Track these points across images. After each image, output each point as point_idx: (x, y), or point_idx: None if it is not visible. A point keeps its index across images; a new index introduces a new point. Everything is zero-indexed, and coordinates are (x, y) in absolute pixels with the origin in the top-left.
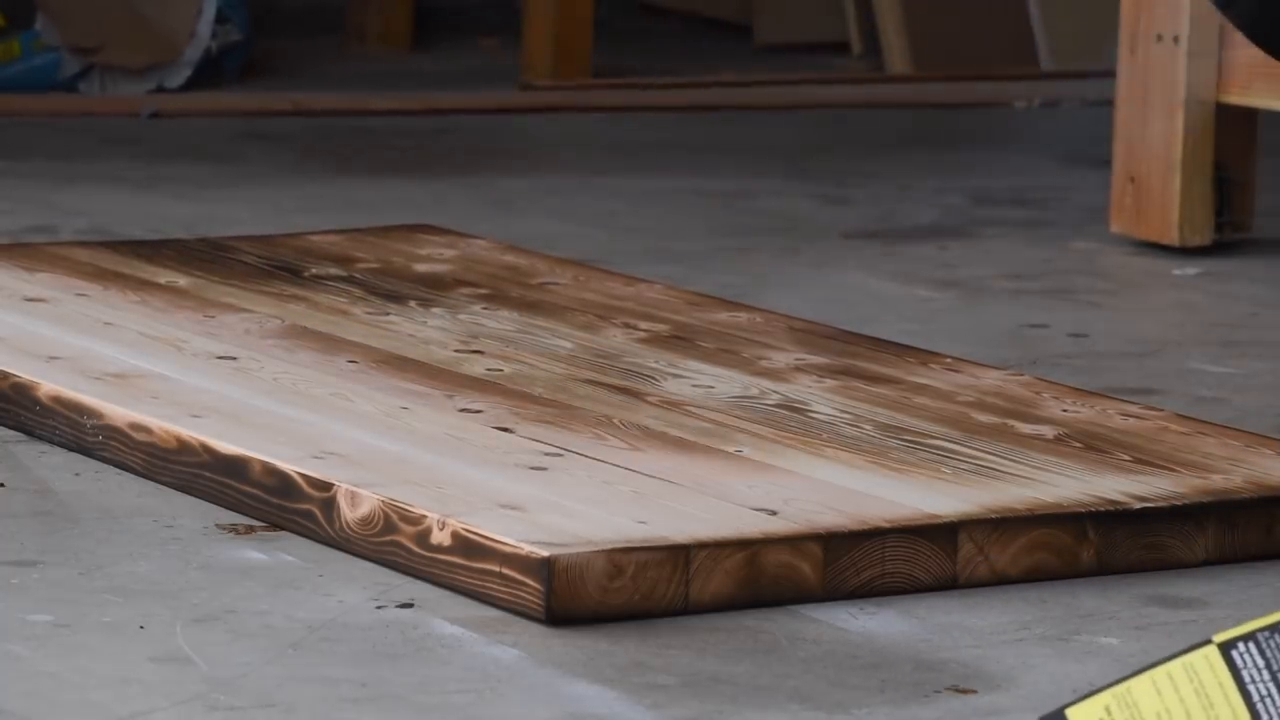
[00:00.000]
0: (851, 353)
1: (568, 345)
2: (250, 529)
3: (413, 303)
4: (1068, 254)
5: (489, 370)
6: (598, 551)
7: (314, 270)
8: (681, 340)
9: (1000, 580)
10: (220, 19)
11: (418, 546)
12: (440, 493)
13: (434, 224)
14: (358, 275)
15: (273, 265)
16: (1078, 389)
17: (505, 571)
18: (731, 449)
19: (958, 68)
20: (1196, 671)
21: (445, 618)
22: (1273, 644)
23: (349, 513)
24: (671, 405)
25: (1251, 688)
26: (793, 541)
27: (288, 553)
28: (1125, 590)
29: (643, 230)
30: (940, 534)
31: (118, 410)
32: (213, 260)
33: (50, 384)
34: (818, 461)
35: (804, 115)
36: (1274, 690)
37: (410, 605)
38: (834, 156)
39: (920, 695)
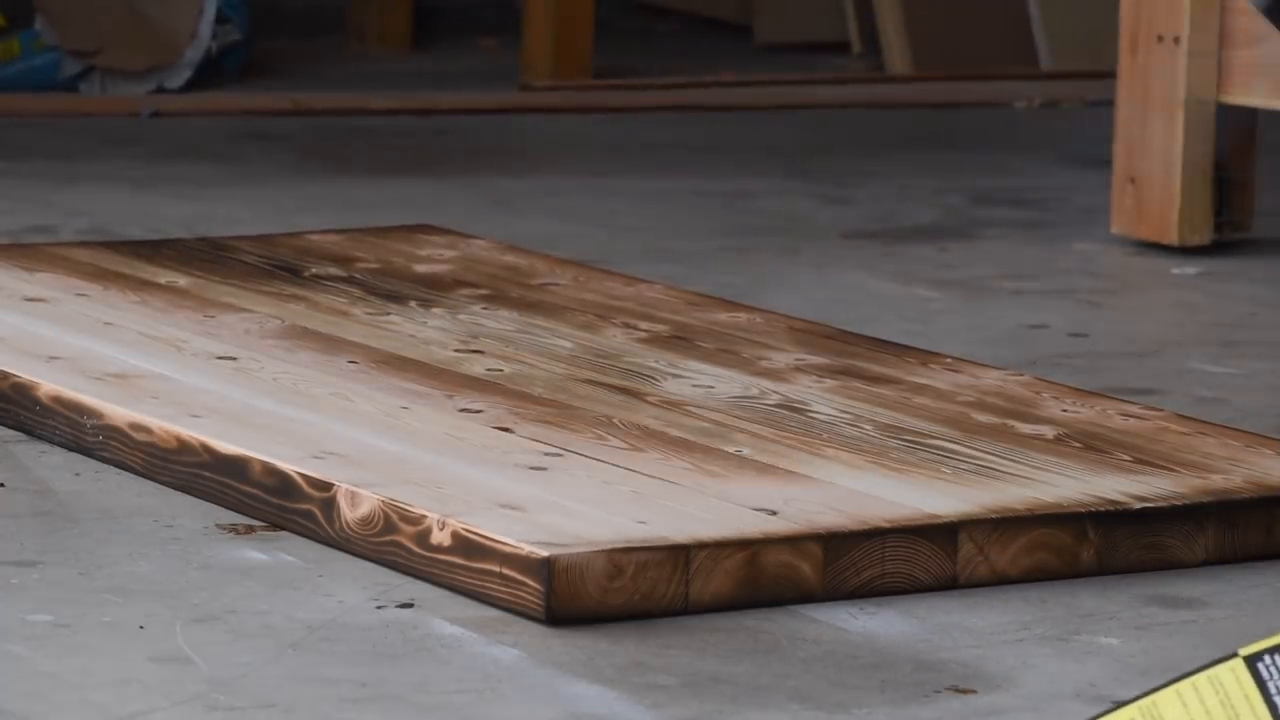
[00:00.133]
0: (851, 353)
1: (568, 345)
2: (250, 529)
3: (413, 303)
4: (1068, 254)
5: (489, 370)
6: (598, 551)
7: (314, 270)
8: (681, 340)
9: (1000, 580)
10: (220, 19)
11: (418, 546)
12: (440, 493)
13: (434, 224)
14: (358, 275)
15: (273, 265)
16: (1078, 389)
17: (505, 571)
18: (731, 449)
19: (958, 68)
20: (1222, 684)
21: (445, 618)
22: None
23: (349, 513)
24: (671, 405)
25: (1278, 699)
26: (793, 541)
27: (288, 553)
28: (1125, 590)
29: (643, 230)
30: (940, 534)
31: (118, 410)
32: (213, 260)
33: (50, 384)
34: (818, 461)
35: (804, 115)
36: None
37: (410, 605)
38: (834, 156)
39: (920, 695)
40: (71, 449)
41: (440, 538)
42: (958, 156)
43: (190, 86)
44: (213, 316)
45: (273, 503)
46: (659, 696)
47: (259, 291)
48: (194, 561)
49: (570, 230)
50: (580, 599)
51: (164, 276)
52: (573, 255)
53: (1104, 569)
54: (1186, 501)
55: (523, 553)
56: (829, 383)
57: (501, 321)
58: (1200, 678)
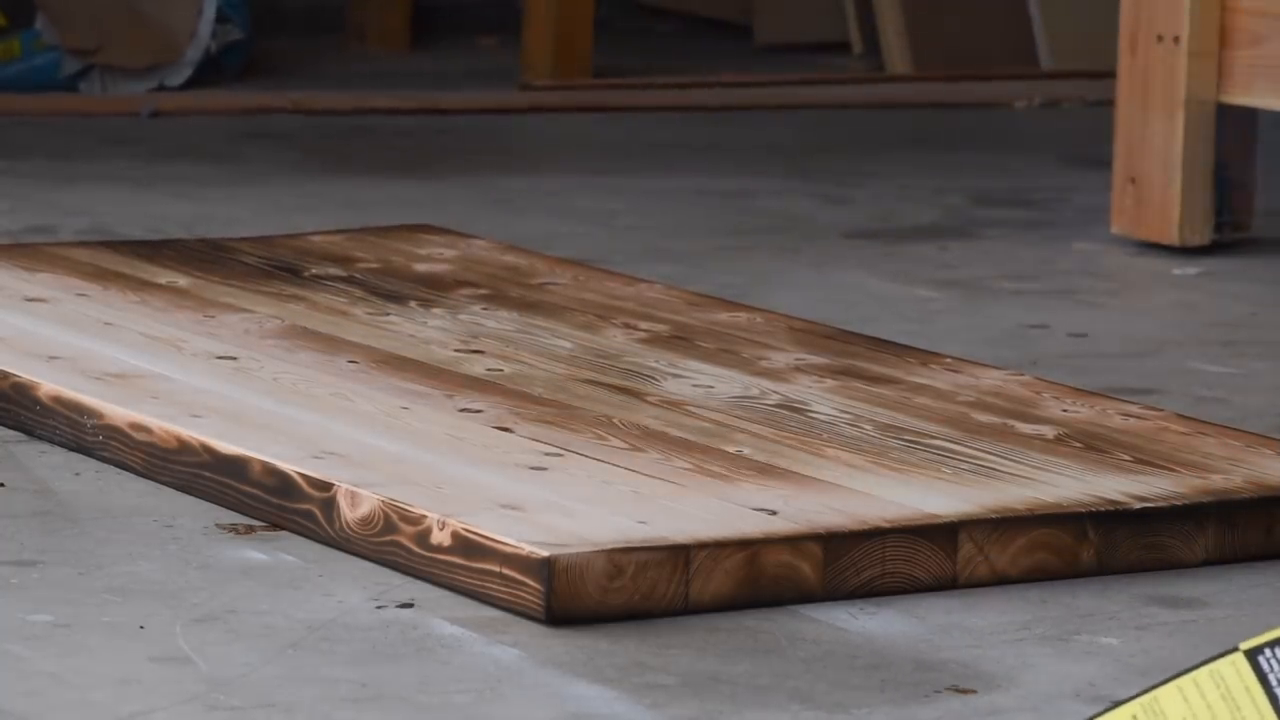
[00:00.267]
0: (851, 353)
1: (568, 345)
2: (250, 529)
3: (413, 303)
4: (1068, 254)
5: (489, 370)
6: (598, 551)
7: (314, 270)
8: (681, 340)
9: (1000, 580)
10: (220, 18)
11: (418, 546)
12: (440, 493)
13: (434, 224)
14: (358, 275)
15: (272, 265)
16: (1078, 389)
17: (505, 571)
18: (731, 449)
19: (958, 68)
20: (1223, 678)
21: (445, 618)
22: None
23: (349, 513)
24: (671, 405)
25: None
26: (793, 541)
27: (288, 553)
28: (1125, 590)
29: (643, 230)
30: (940, 534)
31: (118, 410)
32: (213, 260)
33: (50, 384)
34: (818, 461)
35: (804, 115)
36: None
37: (410, 605)
38: (834, 156)
39: (920, 695)
40: (71, 449)
41: (440, 538)
42: (958, 156)
43: (190, 85)
44: (213, 316)
45: (273, 503)
46: (659, 696)
47: (259, 291)
48: (194, 561)
49: (570, 230)
50: (580, 599)
51: (164, 276)
52: (573, 255)
53: (1104, 569)
54: (1186, 501)
55: (523, 553)
56: (829, 383)
57: (501, 321)
58: (1201, 672)
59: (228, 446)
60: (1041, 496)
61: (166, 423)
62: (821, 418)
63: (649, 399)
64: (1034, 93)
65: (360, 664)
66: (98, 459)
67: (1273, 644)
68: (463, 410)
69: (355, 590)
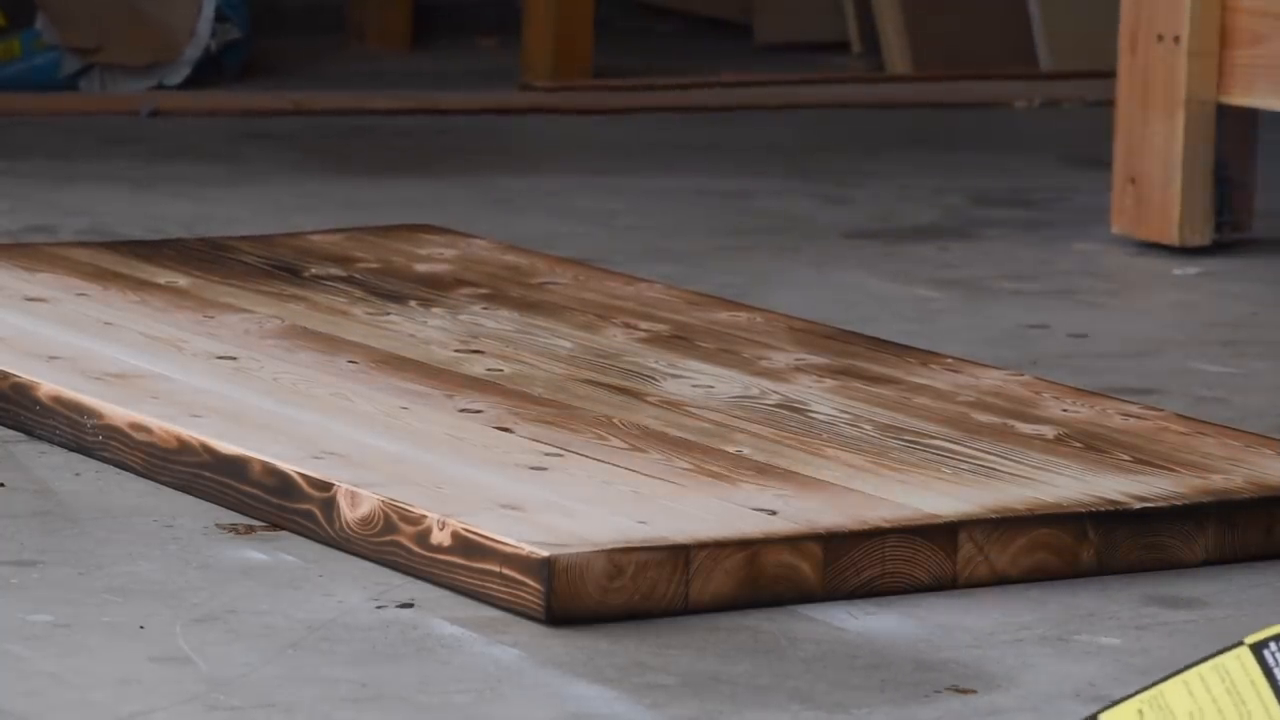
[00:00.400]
0: (851, 353)
1: (568, 345)
2: (250, 529)
3: (413, 303)
4: (1068, 254)
5: (489, 370)
6: (598, 551)
7: (314, 270)
8: (681, 340)
9: (1000, 580)
10: (220, 18)
11: (418, 546)
12: (440, 493)
13: (434, 224)
14: (358, 275)
15: (272, 265)
16: (1078, 389)
17: (505, 571)
18: (731, 449)
19: (958, 68)
20: (1228, 672)
21: (445, 618)
22: None
23: (349, 513)
24: (671, 405)
25: None
26: (793, 541)
27: (288, 553)
28: (1125, 590)
29: (643, 230)
30: (940, 534)
31: (118, 410)
32: (213, 260)
33: (50, 384)
34: (818, 461)
35: (804, 115)
36: None
37: (410, 605)
38: (834, 156)
39: (920, 695)
40: (71, 449)
41: (440, 538)
42: (958, 156)
43: (190, 85)
44: (213, 316)
45: (273, 503)
46: (659, 696)
47: (259, 291)
48: (194, 561)
49: (570, 230)
50: (580, 599)
51: (164, 276)
52: (573, 255)
53: (1104, 569)
54: (1186, 501)
55: (523, 553)
56: (829, 383)
57: (501, 321)
58: (1206, 667)
59: (228, 446)
60: (1041, 496)
61: (166, 423)
62: (821, 418)
63: (649, 399)
64: (1034, 93)
65: (360, 664)
66: (98, 459)
67: (1277, 638)
68: (463, 410)
69: (355, 590)
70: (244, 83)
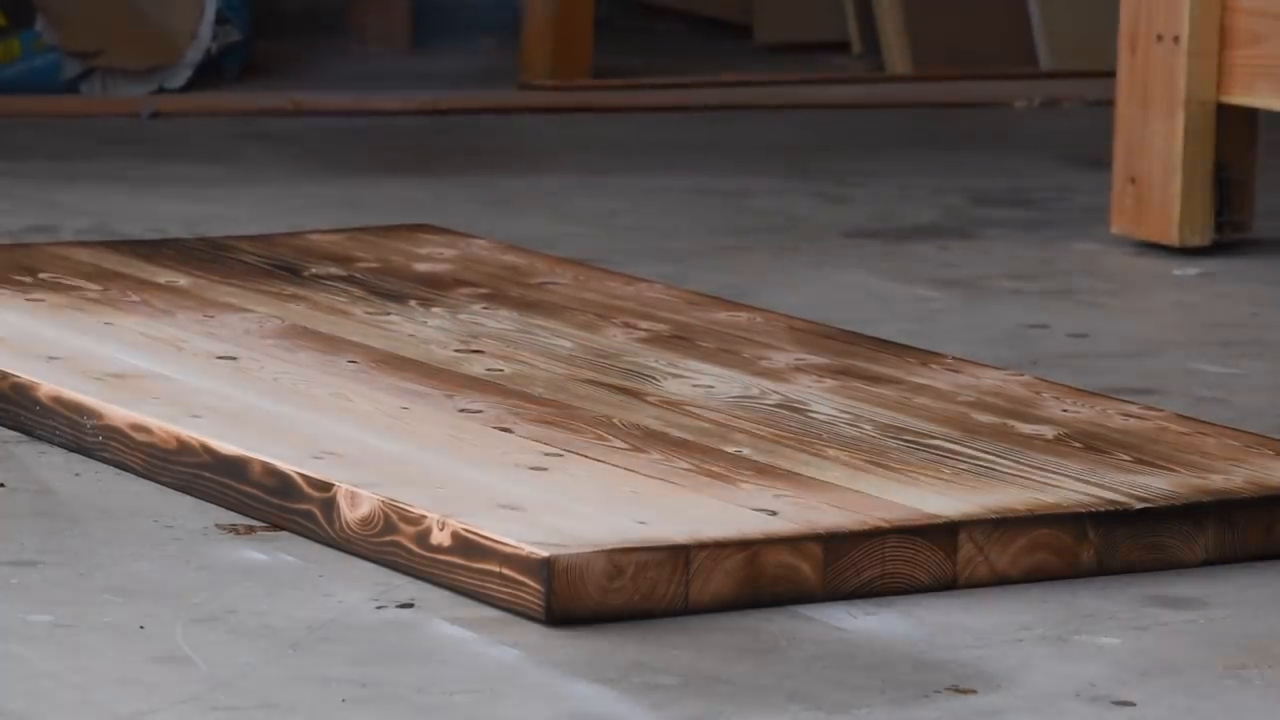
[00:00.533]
0: (851, 353)
1: (568, 345)
2: (250, 529)
3: (413, 303)
4: (1068, 254)
5: (489, 370)
6: (598, 551)
7: (314, 270)
8: (681, 340)
9: (1000, 580)
10: (220, 20)
11: (418, 546)
12: (440, 493)
13: (434, 224)
14: (358, 275)
15: (272, 265)
16: (1078, 389)
17: (505, 572)
18: (731, 449)
19: (958, 68)
20: None
21: (445, 618)
22: None
23: (349, 513)
24: (671, 405)
25: None
26: (793, 541)
27: (288, 553)
28: (1125, 590)
29: (643, 230)
30: (940, 534)
31: (118, 410)
32: (213, 260)
33: (50, 384)
34: (818, 461)
35: (804, 115)
36: None
37: (410, 605)
38: (834, 156)
39: (920, 695)
40: (71, 449)
41: (440, 538)
42: (958, 156)
43: (190, 87)
44: (213, 316)
45: (273, 503)
46: (659, 696)
47: (259, 291)
48: (194, 561)
49: (570, 230)
50: (580, 599)
51: (164, 276)
52: (573, 255)
53: (1104, 569)
54: (1186, 501)
55: (523, 553)
56: (829, 383)
57: (501, 321)
58: None
59: (228, 446)
60: (1041, 496)
61: (166, 423)
62: (821, 418)
63: (649, 399)
64: (1034, 93)
65: (360, 664)
66: (98, 459)
67: None
68: (463, 410)
69: (355, 590)
70: (244, 83)
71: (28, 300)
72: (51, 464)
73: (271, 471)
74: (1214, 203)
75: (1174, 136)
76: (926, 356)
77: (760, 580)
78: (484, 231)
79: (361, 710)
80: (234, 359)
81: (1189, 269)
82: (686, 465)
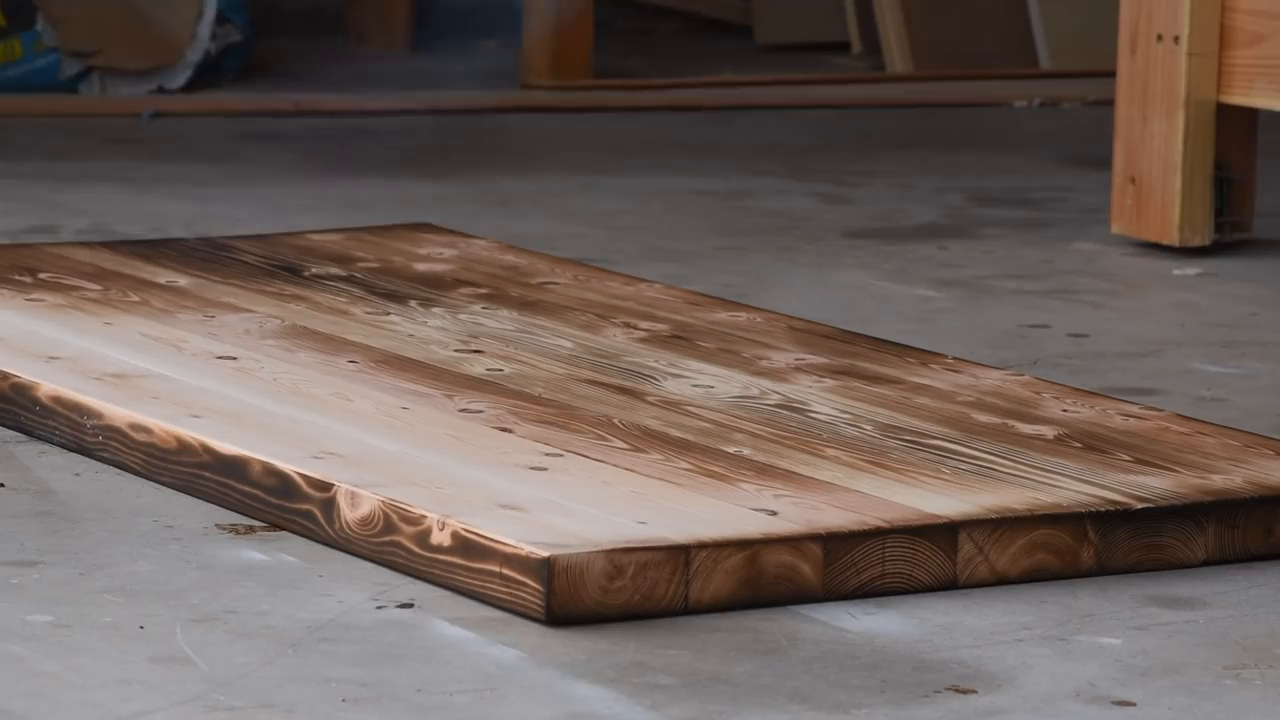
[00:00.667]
0: (851, 353)
1: (568, 345)
2: (250, 529)
3: (413, 303)
4: (1068, 254)
5: (489, 370)
6: (598, 551)
7: (314, 270)
8: (681, 340)
9: (1000, 580)
10: (220, 20)
11: (418, 547)
12: (440, 493)
13: (434, 224)
14: (358, 275)
15: (273, 265)
16: (1078, 389)
17: (505, 572)
18: (731, 449)
19: (958, 68)
20: None
21: (445, 618)
22: None
23: (349, 513)
24: (671, 405)
25: None
26: (793, 541)
27: (288, 553)
28: (1125, 590)
29: (643, 230)
30: (940, 534)
31: (118, 410)
32: (213, 260)
33: (50, 384)
34: (818, 461)
35: (804, 115)
36: None
37: (410, 605)
38: (834, 156)
39: (920, 695)
40: (71, 449)
41: (440, 538)
42: (958, 156)
43: (190, 87)
44: (213, 316)
45: (273, 503)
46: (659, 696)
47: (259, 291)
48: (194, 561)
49: (570, 230)
50: (580, 599)
51: (164, 276)
52: (573, 255)
53: (1104, 569)
54: (1186, 501)
55: (523, 553)
56: (829, 383)
57: (501, 321)
58: None
59: (228, 446)
60: (1041, 496)
61: (166, 423)
62: (821, 418)
63: (649, 399)
64: (1034, 93)
65: (360, 664)
66: (98, 459)
67: None
68: (463, 410)
69: (355, 590)
70: (244, 84)
71: (28, 300)
72: (51, 464)
73: (271, 471)
74: (1214, 203)
75: (1174, 136)
76: (926, 356)
77: (760, 580)
78: (484, 231)
79: (361, 710)
80: (234, 359)
81: (1189, 269)
82: (686, 465)
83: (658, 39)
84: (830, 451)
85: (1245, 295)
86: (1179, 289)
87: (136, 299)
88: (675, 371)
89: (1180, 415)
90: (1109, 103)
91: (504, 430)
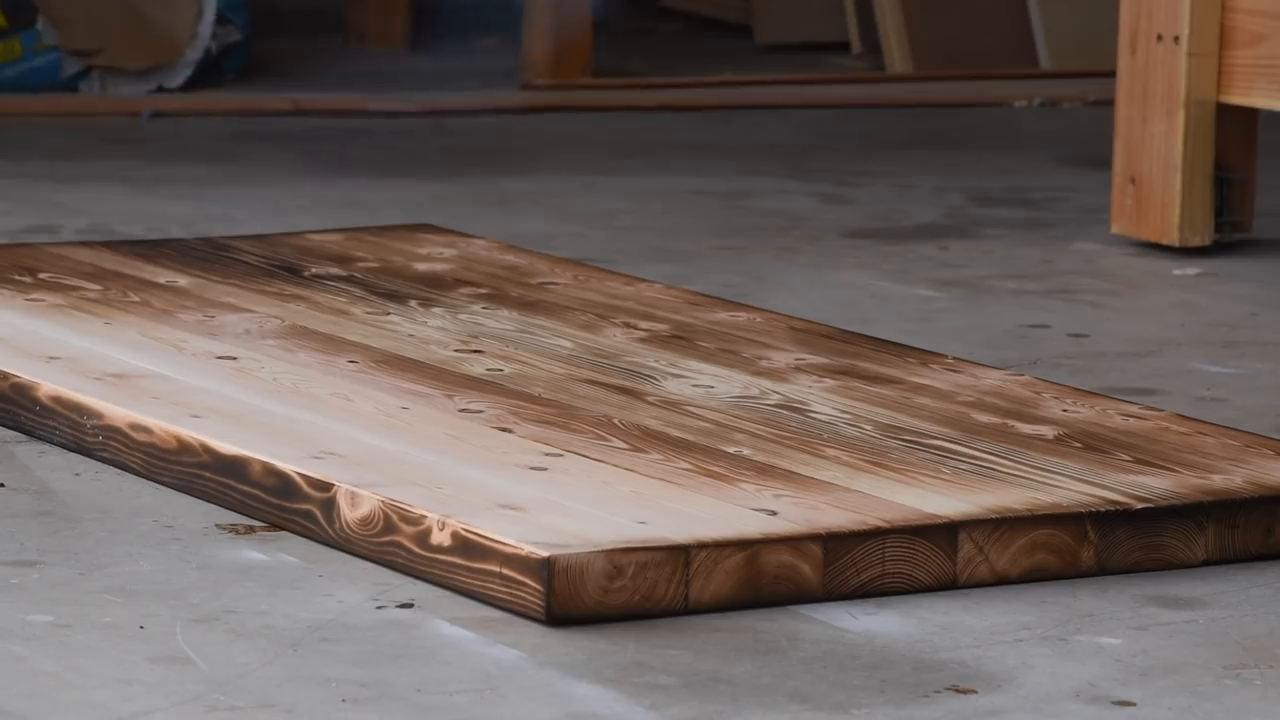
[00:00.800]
0: (851, 353)
1: (568, 345)
2: (250, 529)
3: (413, 302)
4: (1068, 254)
5: (489, 370)
6: (598, 551)
7: (314, 270)
8: (681, 340)
9: (1000, 580)
10: (220, 20)
11: (418, 547)
12: (440, 493)
13: (434, 224)
14: (358, 275)
15: (273, 265)
16: (1078, 389)
17: (505, 572)
18: (731, 449)
19: (958, 68)
20: None
21: (445, 618)
22: None
23: (349, 513)
24: (671, 405)
25: None
26: (793, 541)
27: (288, 553)
28: (1125, 590)
29: (643, 230)
30: (940, 534)
31: (118, 410)
32: (213, 260)
33: (50, 384)
34: (818, 461)
35: (804, 115)
36: None
37: (410, 605)
38: (834, 156)
39: (920, 695)
40: (71, 449)
41: (440, 538)
42: (958, 156)
43: (190, 87)
44: (213, 316)
45: (273, 503)
46: (659, 696)
47: (259, 291)
48: (194, 561)
49: (570, 230)
50: (580, 599)
51: (164, 276)
52: (573, 255)
53: (1104, 569)
54: (1186, 501)
55: (523, 553)
56: (829, 383)
57: (501, 321)
58: None
59: (228, 446)
60: (1041, 496)
61: (166, 423)
62: (821, 418)
63: (649, 399)
64: (1034, 93)
65: (360, 664)
66: (98, 459)
67: None
68: (463, 410)
69: (355, 590)
70: (244, 83)
71: (28, 300)
72: (51, 464)
73: (271, 471)
74: (1214, 203)
75: (1174, 136)
76: (926, 356)
77: (760, 580)
78: (484, 231)
79: (361, 710)
80: (234, 359)
81: (1189, 269)
82: (686, 465)
83: (658, 39)
84: (830, 451)
85: (1245, 295)
86: (1179, 289)
87: (136, 299)
88: (675, 371)
89: (1180, 415)
90: (1109, 103)
91: (504, 430)
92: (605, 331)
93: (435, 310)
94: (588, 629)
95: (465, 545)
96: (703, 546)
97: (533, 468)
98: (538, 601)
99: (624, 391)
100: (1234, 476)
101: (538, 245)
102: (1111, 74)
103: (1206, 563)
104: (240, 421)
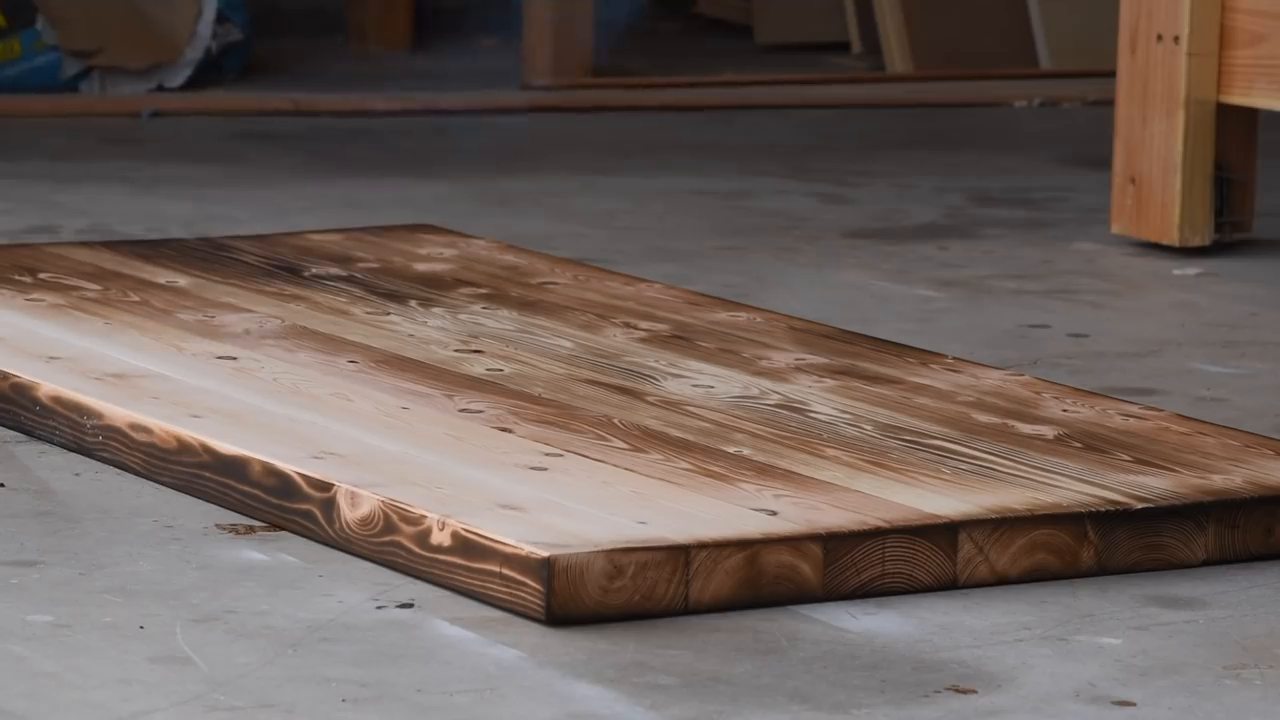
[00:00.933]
0: (851, 353)
1: (568, 345)
2: (250, 529)
3: (413, 303)
4: (1068, 254)
5: (489, 370)
6: (597, 551)
7: (314, 270)
8: (681, 340)
9: (1000, 580)
10: (220, 19)
11: (418, 547)
12: (440, 493)
13: (434, 224)
14: (358, 275)
15: (273, 265)
16: (1078, 389)
17: (505, 572)
18: (731, 449)
19: (958, 68)
20: None
21: (445, 618)
22: None
23: (349, 513)
24: (671, 405)
25: None
26: (793, 541)
27: (288, 553)
28: (1125, 590)
29: (643, 230)
30: (940, 534)
31: (118, 410)
32: (213, 260)
33: (50, 384)
34: (818, 461)
35: (804, 115)
36: None
37: (410, 605)
38: (834, 156)
39: (920, 695)
40: (71, 449)
41: (440, 538)
42: (958, 156)
43: (190, 87)
44: (213, 316)
45: (273, 503)
46: (659, 696)
47: (259, 291)
48: (194, 561)
49: (570, 230)
50: (580, 599)
51: (164, 276)
52: (573, 255)
53: (1104, 569)
54: (1186, 501)
55: (523, 553)
56: (829, 383)
57: (501, 321)
58: None
59: (228, 446)
60: (1041, 496)
61: (166, 423)
62: (821, 418)
63: (649, 399)
64: (1034, 93)
65: (360, 664)
66: (98, 459)
67: None
68: (463, 410)
69: (355, 590)
70: (244, 83)
71: (28, 300)
72: (51, 464)
73: (271, 471)
74: (1214, 203)
75: (1174, 136)
76: (926, 356)
77: (760, 580)
78: (484, 231)
79: (361, 710)
80: (234, 359)
81: (1189, 269)
82: (686, 465)
83: (658, 39)
84: (830, 451)
85: (1245, 295)
86: (1179, 289)
87: (136, 299)
88: (675, 371)
89: (1180, 415)
90: (1109, 103)
91: (504, 430)
92: (605, 331)
93: (435, 310)
94: (588, 629)
95: (465, 545)
96: (703, 546)
97: (533, 468)
98: (538, 601)
99: (624, 391)
100: (1234, 476)
101: (538, 245)
102: (1111, 74)
103: (1206, 563)
104: (240, 421)
